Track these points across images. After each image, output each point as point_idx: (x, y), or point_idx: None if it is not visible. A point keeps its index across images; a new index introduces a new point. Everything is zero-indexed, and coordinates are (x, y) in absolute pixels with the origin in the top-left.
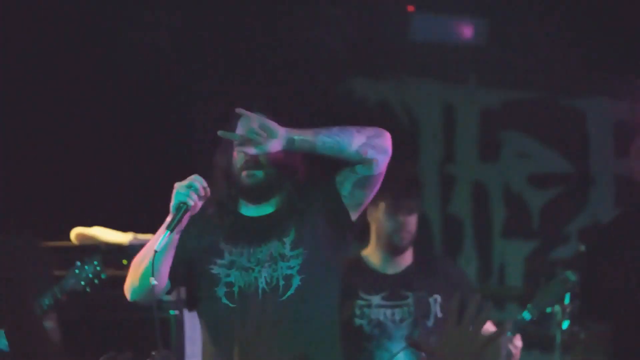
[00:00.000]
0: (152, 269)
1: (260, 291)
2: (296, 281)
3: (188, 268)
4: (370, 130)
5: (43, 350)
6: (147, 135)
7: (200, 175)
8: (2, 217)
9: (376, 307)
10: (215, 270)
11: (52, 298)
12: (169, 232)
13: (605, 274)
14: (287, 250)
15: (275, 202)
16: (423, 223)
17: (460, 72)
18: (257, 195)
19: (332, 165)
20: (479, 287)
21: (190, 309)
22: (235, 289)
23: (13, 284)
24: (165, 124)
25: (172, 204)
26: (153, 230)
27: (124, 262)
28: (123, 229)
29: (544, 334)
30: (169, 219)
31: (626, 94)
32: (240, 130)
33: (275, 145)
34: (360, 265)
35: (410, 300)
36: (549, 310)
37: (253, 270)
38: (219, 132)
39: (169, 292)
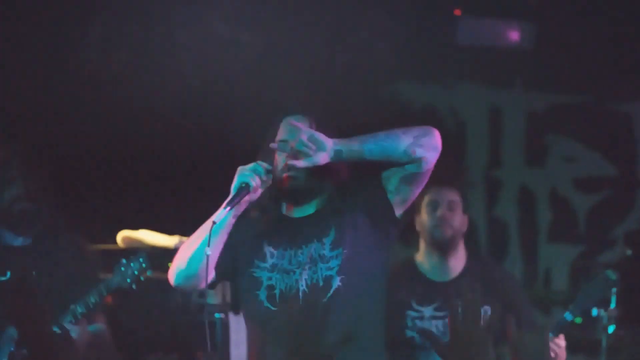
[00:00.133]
0: (209, 240)
1: (300, 294)
2: (335, 282)
3: (233, 267)
4: (416, 130)
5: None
6: (192, 141)
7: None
8: (51, 219)
9: (428, 319)
10: (257, 273)
11: (98, 296)
12: (228, 207)
13: None
14: (326, 251)
15: (317, 203)
16: (470, 227)
17: (506, 75)
18: (298, 197)
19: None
20: (525, 292)
21: (235, 312)
22: (277, 292)
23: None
24: (209, 128)
25: (234, 184)
26: None
27: (169, 265)
28: (169, 232)
29: (589, 338)
30: (229, 198)
31: None
32: (283, 135)
33: (323, 158)
34: (413, 271)
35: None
36: (594, 312)
37: (294, 272)
38: (271, 145)
39: (212, 286)
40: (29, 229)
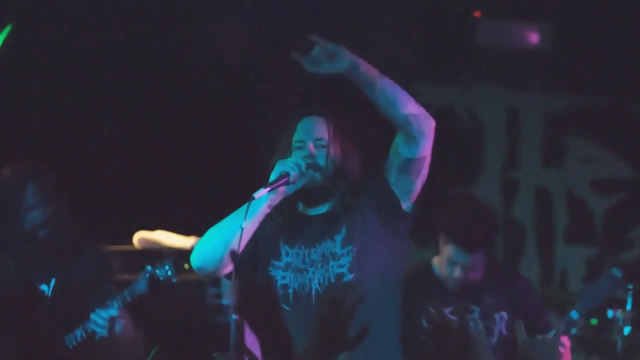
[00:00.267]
0: (246, 213)
1: (313, 293)
2: (348, 280)
3: (252, 264)
4: (422, 109)
5: None
6: (210, 141)
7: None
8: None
9: None
10: (272, 272)
11: (121, 302)
12: (268, 188)
13: None
14: (337, 249)
15: (331, 201)
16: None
17: (524, 77)
18: (314, 196)
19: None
20: (541, 294)
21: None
22: (290, 291)
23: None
24: (227, 129)
25: (272, 173)
26: None
27: (186, 266)
28: (186, 233)
29: (605, 339)
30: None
31: None
32: (300, 135)
33: (341, 65)
34: (430, 275)
35: (476, 315)
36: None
37: (307, 271)
38: (293, 54)
39: (230, 276)
40: (52, 253)
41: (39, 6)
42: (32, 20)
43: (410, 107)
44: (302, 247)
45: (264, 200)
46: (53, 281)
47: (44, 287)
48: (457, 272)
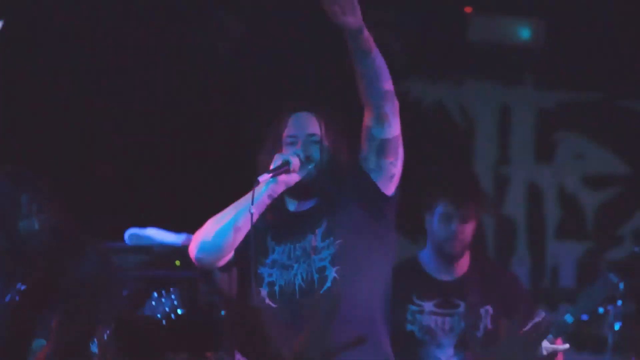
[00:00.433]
0: (252, 198)
1: (297, 288)
2: (331, 273)
3: (245, 262)
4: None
5: None
6: (200, 138)
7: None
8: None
9: (428, 314)
10: (260, 269)
11: None
12: (270, 174)
13: None
14: (318, 242)
15: (318, 197)
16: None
17: (516, 73)
18: (305, 191)
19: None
20: (532, 289)
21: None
22: (276, 288)
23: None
24: (218, 125)
25: (273, 164)
26: None
27: (177, 263)
28: (177, 229)
29: (596, 335)
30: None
31: None
32: (292, 131)
33: (352, 22)
34: (416, 267)
35: (461, 309)
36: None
37: (292, 267)
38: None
39: (226, 267)
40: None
41: (30, 4)
42: (24, 18)
43: (389, 84)
44: (288, 244)
45: (264, 190)
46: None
47: None
48: (453, 226)
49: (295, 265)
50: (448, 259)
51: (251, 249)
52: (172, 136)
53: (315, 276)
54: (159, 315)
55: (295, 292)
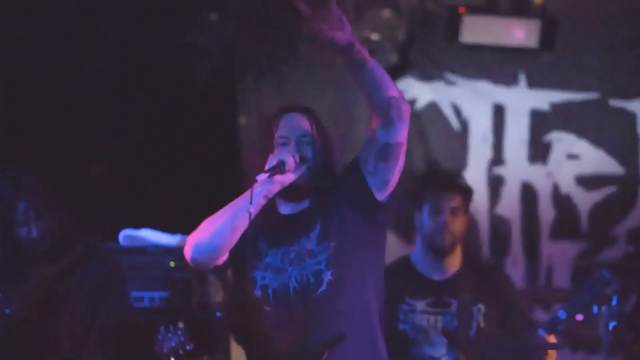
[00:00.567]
0: (251, 197)
1: (291, 291)
2: (327, 276)
3: (239, 264)
4: (401, 94)
5: None
6: (195, 139)
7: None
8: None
9: (420, 313)
10: (253, 272)
11: None
12: (267, 174)
13: None
14: (313, 246)
15: (311, 199)
16: (471, 224)
17: (510, 73)
18: (297, 193)
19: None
20: (527, 289)
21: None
22: (270, 291)
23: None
24: (213, 127)
25: (268, 165)
26: None
27: (172, 264)
28: (171, 230)
29: (590, 335)
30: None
31: None
32: (284, 132)
33: (341, 38)
34: (408, 267)
35: (453, 308)
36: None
37: (286, 271)
38: (296, 3)
39: (222, 268)
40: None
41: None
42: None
43: (392, 91)
44: (281, 247)
45: (259, 190)
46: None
47: None
48: (442, 218)
49: (290, 269)
50: (438, 253)
51: (248, 247)
52: (166, 137)
53: (311, 279)
54: (165, 350)
55: (289, 295)
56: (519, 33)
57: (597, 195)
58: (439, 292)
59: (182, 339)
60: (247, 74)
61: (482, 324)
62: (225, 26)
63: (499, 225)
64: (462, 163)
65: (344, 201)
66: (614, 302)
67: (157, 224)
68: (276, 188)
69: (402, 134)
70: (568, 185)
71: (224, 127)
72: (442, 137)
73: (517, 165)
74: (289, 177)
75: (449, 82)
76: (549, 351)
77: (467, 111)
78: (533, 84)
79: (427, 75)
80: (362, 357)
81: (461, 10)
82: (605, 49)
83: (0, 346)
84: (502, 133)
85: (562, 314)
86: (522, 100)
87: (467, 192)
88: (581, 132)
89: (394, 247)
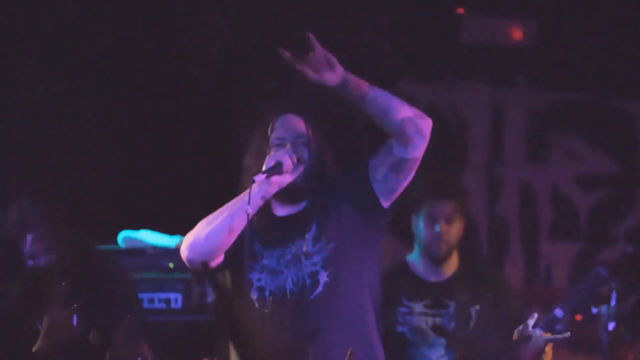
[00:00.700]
0: (249, 198)
1: (288, 293)
2: (323, 277)
3: (235, 267)
4: (417, 110)
5: None
6: (194, 141)
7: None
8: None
9: (418, 315)
10: (249, 274)
11: None
12: (265, 175)
13: None
14: (309, 247)
15: (307, 200)
16: (470, 225)
17: (509, 74)
18: (293, 195)
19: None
20: (526, 289)
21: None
22: (267, 293)
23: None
24: (211, 128)
25: (265, 166)
26: None
27: (171, 265)
28: (170, 232)
29: (590, 335)
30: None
31: None
32: (279, 133)
33: (332, 78)
34: (405, 270)
35: (451, 309)
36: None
37: (282, 272)
38: (280, 51)
39: (217, 269)
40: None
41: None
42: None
43: (403, 112)
44: (277, 249)
45: (257, 191)
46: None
47: None
48: (438, 227)
49: (286, 270)
50: (435, 260)
51: (246, 249)
52: (164, 138)
53: (308, 281)
54: None
55: (286, 297)
56: (518, 33)
57: (596, 195)
58: (436, 294)
59: None
60: (246, 75)
61: (479, 324)
62: (223, 27)
63: (498, 225)
64: (461, 164)
65: (344, 202)
66: (613, 302)
67: (156, 226)
68: (274, 189)
69: (420, 150)
70: (567, 186)
71: (222, 128)
72: (441, 138)
73: (516, 166)
74: (286, 178)
75: (448, 83)
76: (546, 349)
77: (466, 112)
78: (532, 84)
79: (426, 76)
80: (359, 358)
81: (460, 10)
82: (604, 49)
83: None
84: (501, 133)
85: (559, 313)
86: (521, 101)
87: (462, 197)
88: (580, 132)
89: (392, 249)
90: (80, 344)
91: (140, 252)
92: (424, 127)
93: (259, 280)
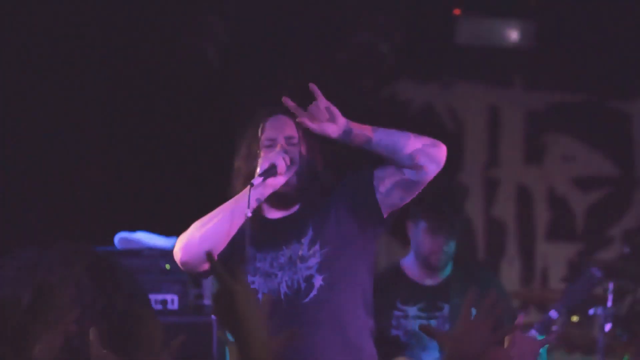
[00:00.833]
0: (248, 201)
1: (283, 297)
2: (318, 281)
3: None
4: (427, 139)
5: None
6: (190, 141)
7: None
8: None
9: (412, 318)
10: None
11: None
12: (262, 177)
13: None
14: (305, 251)
15: (299, 203)
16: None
17: (505, 75)
18: (285, 197)
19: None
20: (522, 291)
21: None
22: (260, 296)
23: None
24: (208, 129)
25: (259, 167)
26: None
27: (167, 266)
28: (167, 233)
29: (586, 336)
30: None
31: None
32: (271, 134)
33: (333, 130)
34: (399, 274)
35: (445, 312)
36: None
37: (276, 275)
38: (283, 99)
39: (209, 272)
40: None
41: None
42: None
43: (411, 145)
44: (270, 252)
45: (252, 193)
46: None
47: None
48: (439, 240)
49: (279, 273)
50: (432, 269)
51: (247, 251)
52: (163, 140)
53: (303, 285)
54: None
55: (280, 300)
56: (514, 34)
57: (592, 196)
58: (430, 297)
59: None
60: (244, 77)
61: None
62: (222, 29)
63: (494, 226)
64: (457, 165)
65: (344, 207)
66: (610, 303)
67: (152, 227)
68: (268, 191)
69: (432, 175)
70: (563, 187)
71: (220, 130)
72: (437, 138)
73: (512, 167)
74: (279, 180)
75: (445, 84)
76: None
77: (462, 113)
78: (528, 85)
79: (423, 76)
80: None
81: (456, 11)
82: (600, 50)
83: None
84: (498, 134)
85: (553, 314)
86: (518, 102)
87: (462, 217)
88: (576, 133)
89: (389, 249)
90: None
91: (136, 253)
92: (437, 155)
93: (252, 283)
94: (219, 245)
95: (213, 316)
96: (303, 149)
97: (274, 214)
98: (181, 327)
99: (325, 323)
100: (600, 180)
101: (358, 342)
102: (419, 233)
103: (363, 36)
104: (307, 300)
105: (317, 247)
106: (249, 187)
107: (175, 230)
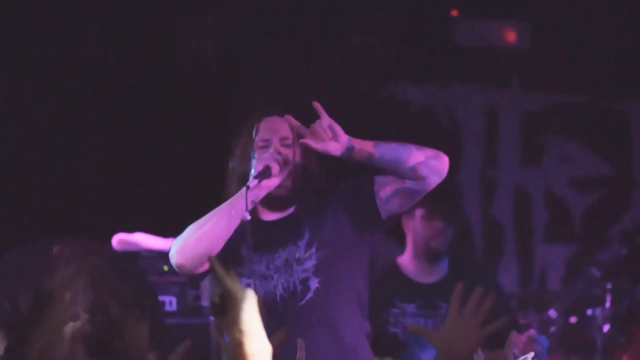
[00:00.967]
0: (246, 204)
1: (279, 299)
2: (314, 283)
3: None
4: (429, 151)
5: None
6: (189, 142)
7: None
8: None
9: (410, 316)
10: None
11: None
12: (257, 180)
13: None
14: (301, 254)
15: (294, 206)
16: (465, 227)
17: (503, 76)
18: (280, 200)
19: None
20: (520, 292)
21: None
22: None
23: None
24: (206, 130)
25: (253, 170)
26: None
27: (165, 268)
28: (165, 234)
29: (585, 337)
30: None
31: None
32: (265, 135)
33: (336, 149)
34: (396, 273)
35: (443, 311)
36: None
37: (272, 278)
38: (287, 118)
39: (206, 274)
40: None
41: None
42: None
43: (414, 158)
44: (266, 254)
45: (248, 196)
46: None
47: None
48: (438, 224)
49: (275, 276)
50: (433, 257)
51: (248, 253)
52: (160, 140)
53: (299, 287)
54: None
55: (276, 303)
56: (512, 35)
57: (590, 197)
58: (428, 295)
59: None
60: (242, 77)
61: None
62: (220, 29)
63: (492, 227)
64: (455, 166)
65: (342, 211)
66: (608, 304)
67: (150, 228)
68: (263, 193)
69: (433, 185)
70: (561, 188)
71: (218, 130)
72: (435, 139)
73: (510, 168)
74: (273, 182)
75: (442, 85)
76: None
77: (460, 114)
78: (526, 86)
79: (421, 78)
80: None
81: (454, 13)
82: (596, 51)
83: None
84: (495, 135)
85: (552, 314)
86: (515, 103)
87: (458, 198)
88: (574, 134)
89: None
90: None
91: (134, 254)
92: (439, 167)
93: (248, 285)
94: (215, 248)
95: (211, 318)
96: (297, 150)
97: (268, 215)
98: (179, 328)
99: (321, 325)
100: (598, 181)
101: (353, 345)
102: (417, 221)
103: (361, 37)
104: (303, 302)
105: (313, 249)
106: (245, 189)
107: (173, 231)
